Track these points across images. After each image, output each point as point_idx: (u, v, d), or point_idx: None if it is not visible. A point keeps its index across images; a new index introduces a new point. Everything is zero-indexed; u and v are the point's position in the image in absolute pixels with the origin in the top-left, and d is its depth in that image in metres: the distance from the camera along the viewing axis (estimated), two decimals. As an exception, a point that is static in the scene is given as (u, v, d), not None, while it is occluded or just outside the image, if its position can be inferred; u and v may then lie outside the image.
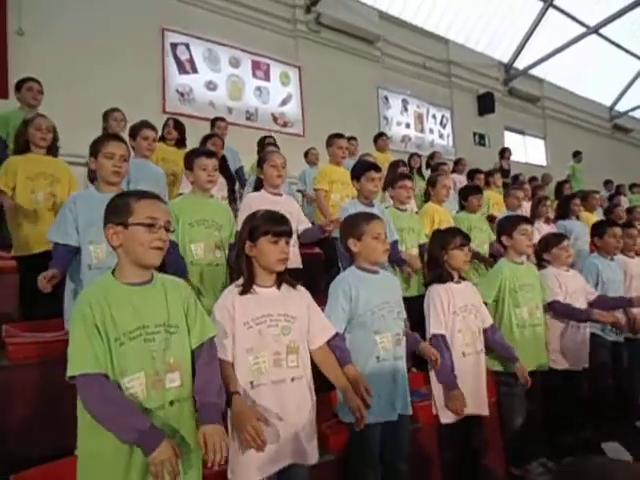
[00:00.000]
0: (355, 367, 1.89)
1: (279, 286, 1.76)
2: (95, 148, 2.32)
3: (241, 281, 1.72)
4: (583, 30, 11.69)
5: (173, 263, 2.15)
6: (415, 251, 3.27)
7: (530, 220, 3.04)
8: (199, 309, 1.57)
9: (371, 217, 2.16)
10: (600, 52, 12.76)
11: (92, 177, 4.01)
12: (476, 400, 2.41)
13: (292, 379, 1.69)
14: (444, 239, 2.54)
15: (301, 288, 1.85)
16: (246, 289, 1.69)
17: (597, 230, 3.59)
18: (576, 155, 8.72)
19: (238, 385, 1.62)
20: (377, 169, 3.07)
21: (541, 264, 3.19)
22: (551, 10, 11.19)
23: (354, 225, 2.13)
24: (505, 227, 2.91)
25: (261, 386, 1.64)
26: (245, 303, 1.68)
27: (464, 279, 2.59)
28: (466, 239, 2.53)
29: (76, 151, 4.31)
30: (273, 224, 1.71)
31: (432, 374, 2.44)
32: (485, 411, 2.45)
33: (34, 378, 2.37)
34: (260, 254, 1.70)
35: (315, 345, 1.82)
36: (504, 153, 8.46)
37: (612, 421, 3.09)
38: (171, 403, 1.43)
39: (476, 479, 2.51)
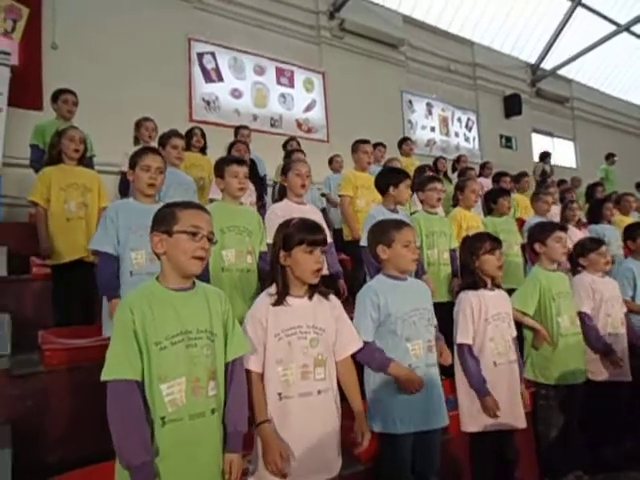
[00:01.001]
0: (397, 363, 1.91)
1: (311, 296, 1.74)
2: (133, 160, 2.41)
3: (273, 290, 1.71)
4: (613, 28, 11.38)
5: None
6: (447, 255, 3.21)
7: (565, 227, 2.96)
8: (236, 324, 1.60)
9: (402, 224, 2.13)
10: (631, 50, 12.41)
11: (122, 189, 4.13)
12: (511, 412, 2.33)
13: (319, 392, 1.67)
14: (474, 244, 2.49)
15: (333, 298, 1.83)
16: (280, 300, 1.68)
17: (631, 233, 3.49)
18: (609, 157, 8.47)
19: (266, 412, 1.62)
20: (409, 176, 3.08)
21: (575, 269, 3.10)
22: (579, 9, 10.94)
23: (384, 232, 2.10)
24: (538, 234, 2.83)
25: (288, 399, 1.63)
26: (277, 314, 1.67)
27: (498, 287, 2.53)
28: (496, 243, 2.47)
29: (108, 160, 4.44)
30: (308, 233, 1.69)
31: (458, 382, 2.39)
32: (522, 424, 2.37)
33: (69, 383, 2.42)
34: (295, 264, 1.68)
35: (340, 357, 1.79)
36: (545, 157, 8.22)
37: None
38: (212, 411, 1.44)
39: (510, 492, 2.44)
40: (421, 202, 3.41)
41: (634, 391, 2.97)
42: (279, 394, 1.63)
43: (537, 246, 2.81)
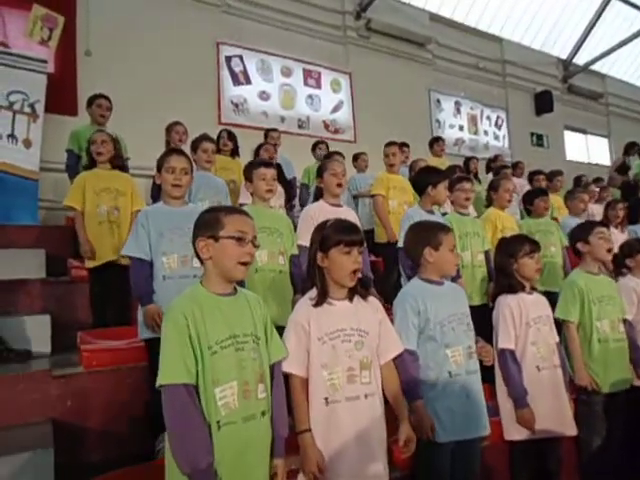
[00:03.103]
0: (422, 403, 1.85)
1: (351, 298, 1.72)
2: (159, 163, 2.44)
3: (314, 293, 1.70)
4: (650, 21, 10.99)
5: None
6: (481, 257, 3.15)
7: (606, 224, 2.86)
8: (274, 329, 1.61)
9: (447, 228, 2.09)
10: (669, 43, 11.93)
11: (153, 193, 4.20)
12: (557, 418, 2.25)
13: (366, 396, 1.65)
14: (512, 247, 2.43)
15: (373, 299, 1.80)
16: (320, 301, 1.66)
17: None
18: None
19: (308, 419, 1.61)
20: (448, 176, 3.07)
21: (620, 272, 2.98)
22: (613, 1, 10.58)
23: (432, 234, 2.05)
24: (580, 233, 2.73)
25: (336, 403, 1.61)
26: (319, 318, 1.65)
27: (535, 290, 2.46)
28: (535, 246, 2.40)
29: (142, 164, 4.51)
30: (345, 233, 1.67)
31: (499, 387, 2.33)
32: (571, 431, 2.28)
33: (108, 384, 2.47)
34: (332, 265, 1.66)
35: (383, 360, 1.76)
36: (630, 149, 7.92)
37: None
38: (263, 414, 1.46)
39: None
40: (452, 203, 3.35)
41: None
42: (325, 399, 1.61)
43: (580, 245, 2.70)
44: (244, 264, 1.47)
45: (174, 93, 6.20)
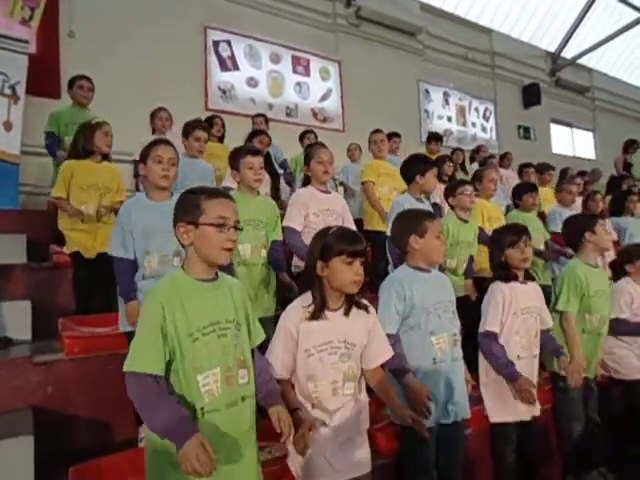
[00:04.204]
0: (412, 377, 1.85)
1: (347, 309, 1.67)
2: (144, 154, 2.34)
3: (308, 301, 1.64)
4: (637, 16, 11.06)
5: None
6: (465, 265, 3.16)
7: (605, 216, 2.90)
8: (254, 314, 1.59)
9: (433, 215, 2.09)
10: (655, 38, 12.07)
11: (137, 174, 4.10)
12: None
13: (348, 404, 1.66)
14: (499, 238, 2.46)
15: (370, 309, 1.74)
16: (316, 315, 1.61)
17: None
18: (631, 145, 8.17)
19: (297, 401, 1.61)
20: (436, 165, 3.06)
21: (617, 276, 3.03)
22: (602, -5, 10.66)
23: (417, 221, 2.04)
24: (587, 223, 2.73)
25: (322, 411, 1.62)
26: (310, 329, 1.61)
27: (533, 279, 2.48)
28: (518, 236, 2.38)
29: (124, 149, 4.43)
30: (348, 243, 1.60)
31: (482, 374, 2.36)
32: (536, 412, 2.33)
33: (90, 371, 2.44)
34: (333, 275, 1.59)
35: (370, 366, 1.74)
36: (629, 147, 7.98)
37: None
38: (243, 399, 1.44)
39: (531, 487, 2.41)
40: (452, 207, 3.30)
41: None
42: (312, 405, 1.62)
43: (587, 235, 2.69)
44: (228, 250, 1.44)
45: (160, 77, 6.09)
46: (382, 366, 1.79)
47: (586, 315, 2.61)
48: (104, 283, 3.07)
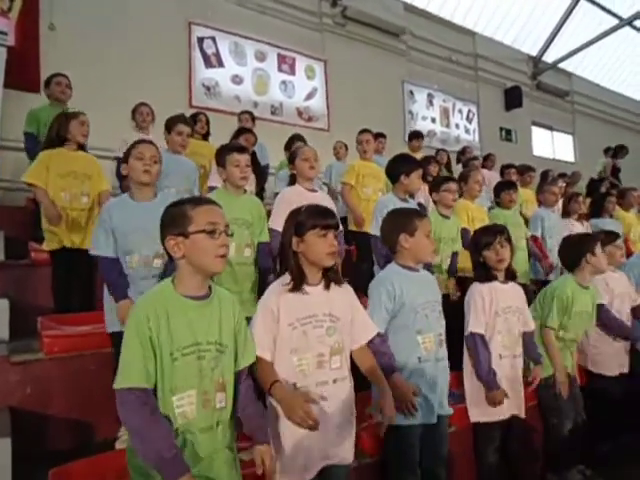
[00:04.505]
0: (400, 376, 1.86)
1: (327, 284, 1.70)
2: (126, 154, 2.33)
3: (287, 278, 1.67)
4: (615, 22, 11.32)
5: None
6: (449, 261, 3.18)
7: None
8: (248, 332, 1.55)
9: (423, 214, 2.11)
10: (633, 45, 12.37)
11: (119, 174, 4.04)
12: (512, 403, 2.34)
13: (334, 380, 1.65)
14: (476, 240, 2.49)
15: (346, 286, 1.79)
16: (296, 287, 1.63)
17: None
18: (607, 151, 8.41)
19: (275, 374, 1.60)
20: (422, 165, 3.06)
21: None
22: (582, 1, 10.85)
23: (407, 220, 2.05)
24: (588, 244, 2.74)
25: (305, 389, 1.61)
26: (291, 303, 1.63)
27: (514, 279, 2.50)
28: (494, 238, 2.39)
29: (105, 145, 4.36)
30: (320, 217, 1.66)
31: (466, 374, 2.38)
32: (521, 413, 2.38)
33: (70, 370, 2.40)
34: (308, 248, 1.63)
35: (356, 346, 1.77)
36: (618, 152, 8.08)
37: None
38: (217, 424, 1.40)
39: (513, 484, 2.45)
40: (435, 203, 3.34)
41: (632, 386, 2.97)
42: (294, 384, 1.61)
43: (588, 256, 2.71)
44: (221, 257, 1.39)
45: (143, 73, 6.00)
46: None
47: (561, 332, 2.67)
48: (83, 281, 3.04)
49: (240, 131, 4.51)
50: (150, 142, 2.43)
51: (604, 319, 2.88)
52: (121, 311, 2.12)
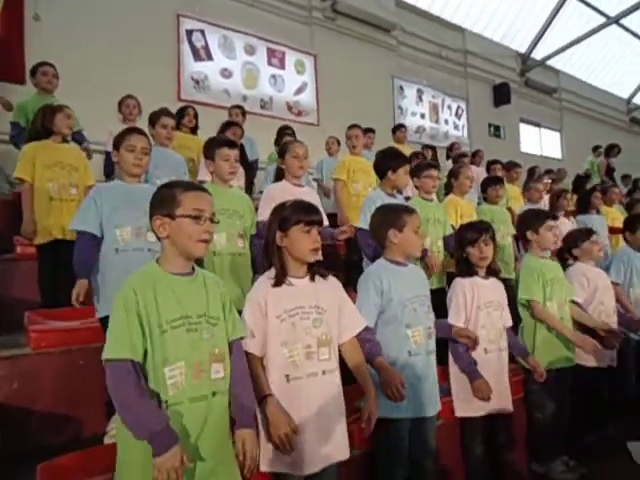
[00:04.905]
0: (385, 359, 1.87)
1: (311, 277, 1.72)
2: (117, 141, 2.33)
3: (272, 273, 1.68)
4: (603, 20, 11.44)
5: None
6: (440, 243, 3.19)
7: (556, 216, 2.98)
8: (233, 309, 1.58)
9: (412, 210, 2.12)
10: (620, 43, 12.51)
11: (107, 170, 4.02)
12: (500, 397, 2.37)
13: (324, 372, 1.66)
14: (461, 235, 2.52)
15: (332, 279, 1.80)
16: (279, 281, 1.65)
17: (631, 225, 3.56)
18: (596, 149, 8.51)
19: (269, 386, 1.60)
20: (409, 161, 3.05)
21: (566, 262, 3.13)
22: (571, -1, 10.95)
23: (396, 216, 2.07)
24: (531, 221, 2.82)
25: (298, 379, 1.61)
26: (278, 296, 1.64)
27: (496, 274, 2.53)
28: (479, 235, 2.42)
29: (93, 138, 4.31)
30: (304, 213, 1.68)
31: (451, 368, 2.41)
32: (509, 407, 2.42)
33: (57, 365, 2.38)
34: (292, 244, 1.66)
35: (344, 338, 1.77)
36: (610, 152, 8.12)
37: (636, 419, 3.05)
38: (214, 394, 1.43)
39: (498, 476, 2.48)
40: (417, 188, 3.37)
41: (617, 379, 3.04)
42: (287, 376, 1.61)
43: (529, 233, 2.80)
44: (204, 241, 1.45)
45: (131, 65, 5.93)
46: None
47: (547, 303, 2.67)
48: (71, 275, 3.00)
49: (227, 124, 4.49)
50: (141, 132, 2.43)
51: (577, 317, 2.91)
52: (80, 288, 2.13)
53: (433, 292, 2.74)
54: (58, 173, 2.99)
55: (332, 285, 1.79)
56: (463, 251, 2.45)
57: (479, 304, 2.38)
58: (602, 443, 2.85)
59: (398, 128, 6.19)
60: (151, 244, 2.15)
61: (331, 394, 1.67)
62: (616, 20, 11.44)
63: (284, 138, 4.84)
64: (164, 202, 1.45)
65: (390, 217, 2.10)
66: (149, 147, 2.38)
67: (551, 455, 2.65)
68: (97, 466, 1.77)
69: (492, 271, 2.50)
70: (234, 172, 2.60)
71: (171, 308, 1.40)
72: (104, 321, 2.17)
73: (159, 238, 1.48)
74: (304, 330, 1.65)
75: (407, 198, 3.89)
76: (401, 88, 9.67)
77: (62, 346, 2.41)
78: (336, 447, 1.66)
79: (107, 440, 2.13)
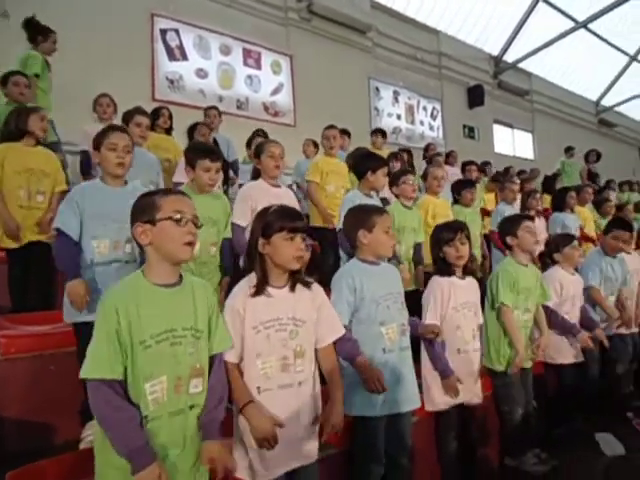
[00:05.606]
0: (364, 358, 1.89)
1: (292, 286, 1.69)
2: (98, 141, 2.25)
3: (253, 279, 1.65)
4: (572, 25, 11.75)
5: None
6: (411, 252, 3.24)
7: (532, 217, 3.04)
8: (220, 318, 1.55)
9: (382, 210, 2.14)
10: (588, 47, 12.85)
11: (83, 169, 3.94)
12: (469, 391, 2.43)
13: (299, 383, 1.66)
14: (437, 235, 2.53)
15: (315, 287, 1.77)
16: (259, 290, 1.63)
17: (606, 229, 3.66)
18: (568, 150, 8.72)
19: (249, 393, 1.59)
20: (387, 163, 3.09)
21: (546, 266, 3.21)
22: (541, 3, 11.21)
23: (366, 216, 2.08)
24: (508, 227, 2.86)
25: (268, 391, 1.61)
26: (256, 305, 1.62)
27: (472, 274, 2.56)
28: (454, 234, 2.44)
29: (68, 139, 4.23)
30: (288, 220, 1.63)
31: (424, 362, 2.44)
32: (478, 400, 2.47)
33: (28, 371, 2.32)
34: (275, 251, 1.62)
35: (321, 344, 1.76)
36: (588, 157, 8.22)
37: (603, 412, 3.15)
38: (191, 407, 1.42)
39: (472, 470, 2.53)
40: (396, 196, 3.39)
41: (582, 372, 3.14)
42: (258, 388, 1.61)
43: (509, 239, 2.84)
44: (188, 244, 1.42)
45: (103, 65, 5.83)
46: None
47: (515, 312, 2.72)
48: (41, 279, 2.95)
49: (194, 126, 4.46)
50: (122, 129, 2.38)
51: (550, 318, 2.99)
52: (73, 289, 2.02)
53: (407, 293, 2.80)
54: (28, 180, 2.90)
55: (313, 293, 1.75)
56: (440, 251, 2.48)
57: (456, 305, 2.41)
58: (572, 436, 2.95)
59: (374, 133, 6.12)
60: (129, 255, 2.12)
61: (305, 404, 1.67)
62: (584, 25, 11.78)
63: (255, 140, 4.83)
64: (144, 209, 1.43)
65: (360, 218, 2.11)
66: (131, 145, 2.31)
67: (523, 448, 2.71)
68: (69, 473, 1.74)
69: (469, 271, 2.54)
70: (213, 185, 2.57)
71: (156, 322, 1.36)
72: (74, 327, 2.15)
73: (141, 248, 1.44)
74: (280, 342, 1.63)
75: (383, 199, 3.93)
76: (377, 89, 9.76)
77: (32, 352, 2.35)
78: (302, 454, 1.66)
79: (82, 446, 2.09)
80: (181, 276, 1.48)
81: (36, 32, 3.99)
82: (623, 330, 3.49)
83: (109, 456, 1.32)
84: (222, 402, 1.50)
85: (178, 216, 1.41)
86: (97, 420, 1.30)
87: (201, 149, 2.69)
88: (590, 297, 3.37)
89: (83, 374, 1.28)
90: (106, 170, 2.23)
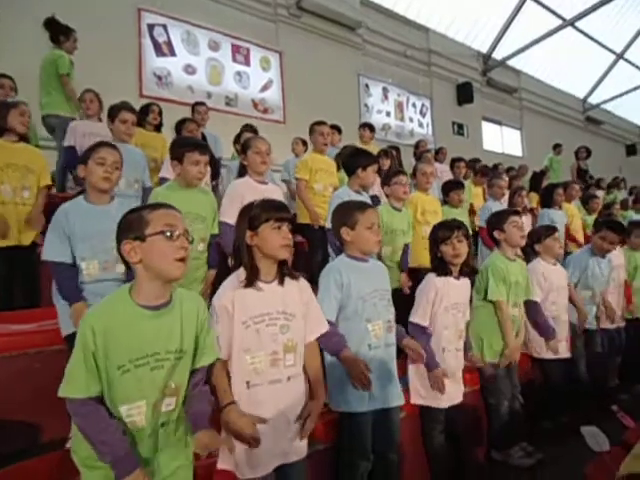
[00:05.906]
0: (350, 351, 1.90)
1: (281, 280, 1.70)
2: (86, 155, 2.21)
3: (242, 273, 1.65)
4: (559, 22, 11.84)
5: None
6: (400, 253, 3.23)
7: (519, 212, 3.06)
8: (210, 333, 1.52)
9: (365, 206, 2.12)
10: (575, 45, 12.98)
11: (69, 165, 3.87)
12: (453, 392, 2.43)
13: (288, 378, 1.66)
14: (435, 234, 2.53)
15: (302, 281, 1.79)
16: (250, 282, 1.63)
17: (594, 228, 3.67)
18: (556, 147, 8.78)
19: (231, 393, 1.59)
20: (378, 160, 3.09)
21: (529, 258, 3.24)
22: (529, 1, 11.28)
23: (348, 214, 2.08)
24: (495, 222, 2.89)
25: (257, 386, 1.61)
26: (245, 300, 1.62)
27: (469, 275, 2.56)
28: (451, 233, 2.45)
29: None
30: (274, 210, 1.66)
31: (410, 358, 2.45)
32: (459, 399, 2.47)
33: (14, 370, 2.29)
34: (262, 241, 1.63)
35: (306, 340, 1.78)
36: (578, 153, 8.24)
37: (588, 406, 3.19)
38: (162, 425, 1.40)
39: (459, 464, 2.55)
40: (387, 197, 3.38)
41: (568, 367, 3.19)
42: (247, 382, 1.61)
43: (496, 233, 2.86)
44: (180, 260, 1.34)
45: (89, 60, 5.72)
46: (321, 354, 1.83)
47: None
48: (26, 278, 2.91)
49: (182, 121, 4.36)
50: (113, 146, 2.32)
51: (533, 316, 3.01)
52: (75, 313, 2.02)
53: (392, 291, 2.81)
54: (11, 175, 2.83)
55: (301, 287, 1.77)
56: (437, 249, 2.48)
57: (447, 305, 2.42)
58: (558, 429, 2.99)
59: (362, 127, 6.13)
60: (119, 275, 2.08)
61: (293, 398, 1.68)
62: (571, 23, 11.88)
63: (244, 135, 4.79)
64: (132, 225, 1.35)
65: (343, 215, 2.11)
66: (120, 163, 2.25)
67: (509, 442, 2.75)
68: (56, 472, 1.73)
69: (466, 271, 2.52)
70: (202, 178, 2.54)
71: (136, 346, 1.31)
72: (67, 339, 2.12)
73: (129, 267, 1.38)
74: (270, 337, 1.63)
75: (373, 197, 3.93)
76: (367, 86, 9.76)
77: (17, 350, 2.33)
78: (292, 449, 1.67)
79: (69, 445, 2.07)
80: (171, 295, 1.42)
81: (58, 32, 3.91)
82: (608, 325, 3.56)
83: (87, 460, 1.33)
84: (208, 405, 1.50)
85: (169, 230, 1.34)
86: (80, 430, 1.29)
87: (189, 142, 2.66)
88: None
89: (61, 393, 1.27)
90: (91, 184, 2.16)
